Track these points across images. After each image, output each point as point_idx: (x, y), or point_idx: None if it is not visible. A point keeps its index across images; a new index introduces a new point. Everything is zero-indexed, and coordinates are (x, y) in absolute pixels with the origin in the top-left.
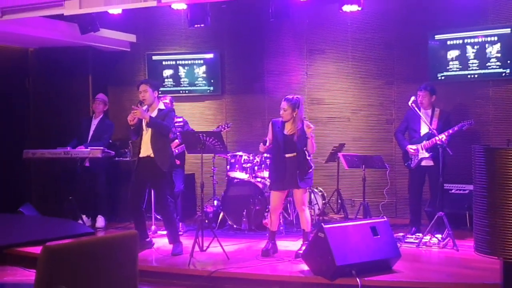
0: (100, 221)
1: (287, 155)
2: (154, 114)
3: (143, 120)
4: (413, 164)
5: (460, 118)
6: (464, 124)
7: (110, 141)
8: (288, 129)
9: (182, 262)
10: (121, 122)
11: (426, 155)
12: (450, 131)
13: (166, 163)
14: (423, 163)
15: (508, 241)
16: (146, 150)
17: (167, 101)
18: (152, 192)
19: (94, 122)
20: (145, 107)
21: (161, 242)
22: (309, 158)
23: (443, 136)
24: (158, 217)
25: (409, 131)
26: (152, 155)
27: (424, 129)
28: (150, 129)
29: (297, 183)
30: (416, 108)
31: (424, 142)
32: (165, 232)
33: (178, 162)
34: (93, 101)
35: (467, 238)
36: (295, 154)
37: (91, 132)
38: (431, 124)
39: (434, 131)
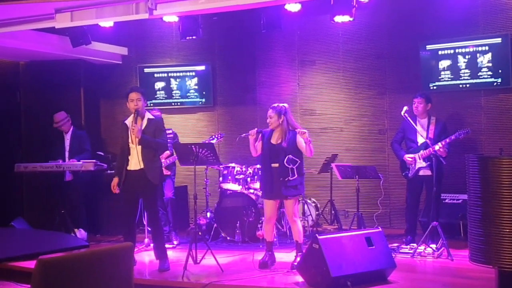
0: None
1: (272, 165)
2: (144, 124)
3: (130, 134)
4: (411, 174)
5: (453, 128)
6: (460, 133)
7: (102, 153)
8: (275, 138)
9: (175, 275)
10: (113, 135)
11: (424, 164)
12: (447, 140)
13: (157, 175)
14: (421, 172)
15: (502, 250)
16: (135, 163)
17: (158, 113)
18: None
19: (67, 137)
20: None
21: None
22: (294, 167)
23: (439, 145)
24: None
25: (406, 141)
26: (143, 168)
27: (421, 139)
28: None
29: (281, 192)
30: (409, 118)
31: (422, 151)
32: None
33: (169, 172)
34: (59, 125)
35: (462, 247)
36: (278, 164)
37: (67, 148)
38: (428, 132)
39: (428, 141)
